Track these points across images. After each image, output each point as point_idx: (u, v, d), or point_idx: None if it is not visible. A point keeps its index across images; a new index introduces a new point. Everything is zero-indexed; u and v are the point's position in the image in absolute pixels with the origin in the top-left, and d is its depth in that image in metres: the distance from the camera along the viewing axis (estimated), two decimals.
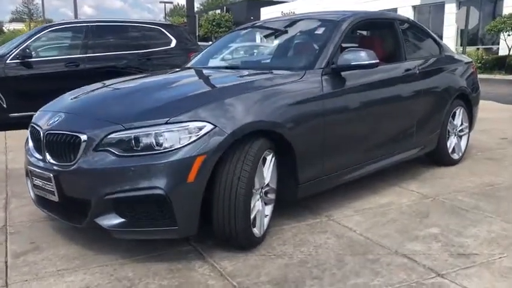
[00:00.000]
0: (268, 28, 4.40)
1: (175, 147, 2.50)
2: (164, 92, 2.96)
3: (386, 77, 3.84)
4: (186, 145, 2.51)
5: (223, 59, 4.19)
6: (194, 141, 2.53)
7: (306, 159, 3.10)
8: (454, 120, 4.81)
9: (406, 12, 28.37)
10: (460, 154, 4.94)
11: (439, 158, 4.76)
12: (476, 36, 24.98)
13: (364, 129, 3.62)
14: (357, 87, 3.52)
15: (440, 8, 26.92)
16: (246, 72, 3.52)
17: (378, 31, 4.77)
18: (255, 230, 2.83)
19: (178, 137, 2.52)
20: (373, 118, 3.69)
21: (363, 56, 3.34)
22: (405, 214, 3.46)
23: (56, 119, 2.85)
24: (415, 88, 4.15)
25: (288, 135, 2.94)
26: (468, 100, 4.96)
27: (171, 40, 8.68)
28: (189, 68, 4.10)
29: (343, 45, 3.73)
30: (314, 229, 3.19)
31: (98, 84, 3.60)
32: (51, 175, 2.69)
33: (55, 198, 2.74)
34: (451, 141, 4.81)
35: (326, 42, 3.55)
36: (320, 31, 3.75)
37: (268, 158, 2.92)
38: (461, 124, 4.95)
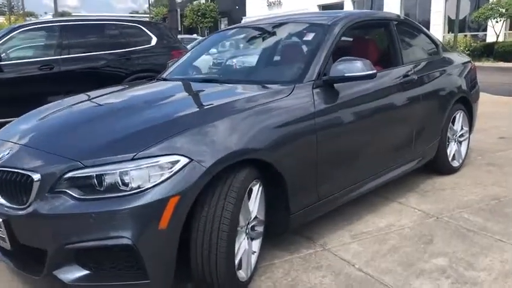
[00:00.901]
0: (251, 33, 4.00)
1: (144, 187, 2.13)
2: (132, 117, 2.56)
3: (383, 85, 3.49)
4: (156, 184, 2.14)
5: (202, 69, 3.78)
6: (166, 179, 2.15)
7: (297, 185, 2.75)
8: (454, 125, 4.48)
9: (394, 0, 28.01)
10: (460, 161, 4.62)
11: (439, 166, 4.43)
12: (463, 23, 24.72)
13: (360, 145, 3.27)
14: (352, 99, 3.16)
15: None
16: (227, 87, 3.14)
17: (372, 33, 4.41)
18: (241, 273, 2.47)
19: (148, 175, 2.14)
20: (370, 132, 3.34)
21: (359, 67, 2.98)
22: (407, 239, 3.13)
23: (6, 152, 2.45)
24: (414, 95, 3.80)
25: (277, 162, 2.58)
26: (468, 103, 4.63)
27: (152, 38, 8.25)
28: (164, 79, 3.70)
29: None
30: (308, 263, 2.84)
31: (64, 102, 3.20)
32: (1, 219, 2.30)
33: (7, 245, 2.35)
34: (451, 148, 4.49)
35: (316, 50, 3.17)
36: (309, 37, 3.37)
37: (255, 188, 2.57)
38: (462, 129, 4.63)
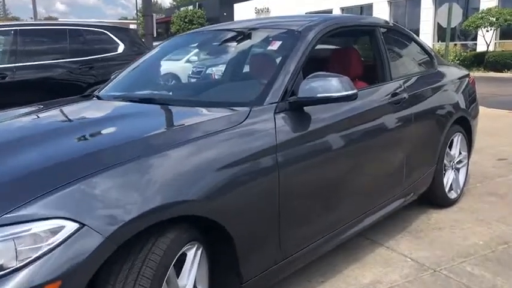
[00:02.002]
0: (207, 40, 3.30)
1: (8, 268, 1.42)
2: (13, 157, 1.83)
3: (367, 107, 2.82)
4: (27, 264, 1.44)
5: (144, 84, 3.07)
6: (43, 255, 1.45)
7: (252, 245, 2.06)
8: (451, 150, 3.82)
9: (382, 7, 27.59)
10: (459, 191, 3.96)
11: (434, 199, 3.77)
12: (453, 32, 24.31)
13: (338, 184, 2.59)
14: (327, 126, 2.49)
15: (417, 2, 26.16)
16: (160, 112, 2.44)
17: (355, 41, 3.75)
18: None
19: (14, 250, 1.44)
20: (351, 166, 2.66)
21: (335, 86, 2.31)
22: None
23: None
24: (404, 117, 3.13)
25: (222, 217, 1.89)
26: (467, 123, 3.98)
27: (119, 45, 7.54)
28: (93, 97, 2.97)
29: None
30: None
31: None
32: None
33: None
34: (448, 177, 3.83)
35: (282, 63, 2.50)
36: (275, 46, 2.69)
37: (190, 254, 1.88)
38: (460, 154, 3.97)
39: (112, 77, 3.38)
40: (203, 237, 1.93)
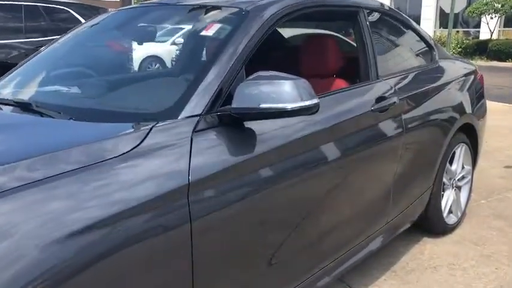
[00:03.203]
0: (132, 22, 2.48)
1: None
2: None
3: (340, 118, 2.06)
4: None
5: (34, 82, 2.28)
6: None
7: None
8: (452, 165, 3.08)
9: None
10: (459, 214, 3.23)
11: (429, 225, 3.04)
12: (456, 18, 23.44)
13: (289, 231, 1.84)
14: (279, 149, 1.73)
15: None
16: (23, 128, 1.65)
17: (329, 28, 2.96)
18: None
19: None
20: (310, 205, 1.93)
21: (288, 93, 1.56)
22: None
23: None
24: (393, 129, 2.39)
25: None
26: (473, 131, 3.23)
27: None
28: None
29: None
30: None
31: None
32: None
33: None
34: (447, 199, 3.10)
35: (214, 56, 1.73)
36: (210, 31, 1.92)
37: None
38: (462, 169, 3.23)
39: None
40: None
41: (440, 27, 23.99)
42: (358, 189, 2.22)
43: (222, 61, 1.71)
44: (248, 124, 1.66)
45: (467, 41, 21.22)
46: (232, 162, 1.56)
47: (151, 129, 1.45)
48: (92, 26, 2.42)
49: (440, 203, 2.99)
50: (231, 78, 1.69)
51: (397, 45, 2.96)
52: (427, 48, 3.10)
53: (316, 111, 1.63)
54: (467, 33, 23.19)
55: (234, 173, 1.56)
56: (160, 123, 1.49)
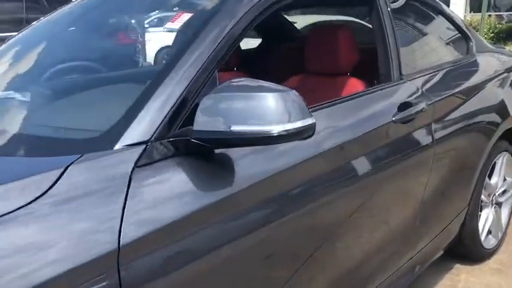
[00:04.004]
0: (89, 13, 2.01)
1: None
2: None
3: (348, 136, 1.59)
4: None
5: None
6: None
7: None
8: (491, 179, 2.57)
9: None
10: (500, 235, 2.72)
11: (463, 251, 2.55)
12: (488, 1, 22.38)
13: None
14: (268, 183, 1.29)
15: None
16: None
17: (342, 15, 2.46)
18: None
19: None
20: (319, 246, 1.47)
21: (271, 109, 1.12)
22: None
23: None
24: (421, 142, 1.91)
25: None
26: None
27: None
28: None
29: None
30: None
31: None
32: None
33: None
34: (486, 219, 2.60)
35: (174, 59, 1.27)
36: (176, 22, 1.46)
37: None
38: (504, 181, 2.71)
39: None
40: None
41: (471, 12, 22.92)
42: (378, 218, 1.76)
43: (185, 63, 1.25)
44: (221, 151, 1.22)
45: (500, 26, 20.16)
46: (193, 210, 1.11)
47: (67, 167, 1.01)
48: (54, 18, 1.99)
49: (477, 225, 2.49)
50: (197, 86, 1.24)
51: (425, 36, 2.45)
52: (462, 39, 2.58)
53: (312, 135, 1.17)
54: (499, 17, 22.07)
55: (194, 227, 1.11)
56: (84, 157, 1.05)
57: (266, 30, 3.16)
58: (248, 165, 1.27)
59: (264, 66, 2.90)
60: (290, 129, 1.12)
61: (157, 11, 2.08)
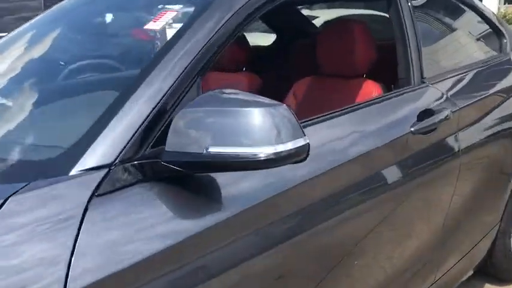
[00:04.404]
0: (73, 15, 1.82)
1: None
2: None
3: (364, 147, 1.38)
4: None
5: None
6: None
7: None
8: None
9: None
10: None
11: (494, 270, 2.31)
12: None
13: None
14: (258, 210, 1.10)
15: None
16: None
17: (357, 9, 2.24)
18: None
19: None
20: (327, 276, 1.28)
21: (256, 127, 0.93)
22: None
23: None
24: (446, 153, 1.69)
25: None
26: None
27: None
28: None
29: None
30: None
31: None
32: None
33: None
34: None
35: (150, 65, 1.09)
36: (157, 25, 1.28)
37: None
38: None
39: None
40: None
41: (505, 3, 22.10)
42: (399, 237, 1.57)
43: (162, 70, 1.07)
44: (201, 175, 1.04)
45: None
46: (165, 246, 0.93)
47: (5, 200, 0.84)
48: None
49: (509, 242, 2.25)
50: (175, 97, 1.06)
51: (451, 33, 2.21)
52: (494, 35, 2.33)
53: (305, 158, 0.98)
54: None
55: (166, 267, 0.93)
56: (31, 186, 0.88)
57: (281, 27, 2.96)
58: (239, 187, 1.09)
59: (276, 66, 2.71)
60: (280, 152, 0.93)
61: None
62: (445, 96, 1.75)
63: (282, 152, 0.93)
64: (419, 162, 1.59)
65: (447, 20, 2.21)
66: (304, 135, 0.96)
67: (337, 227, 1.27)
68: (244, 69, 2.50)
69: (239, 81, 2.41)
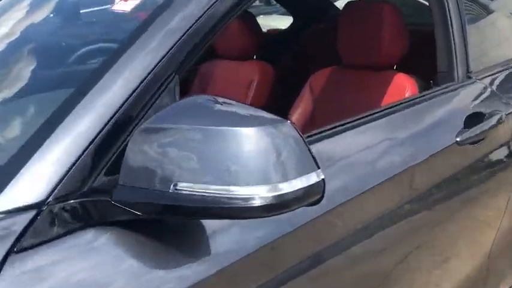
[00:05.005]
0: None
1: None
2: None
3: (398, 166, 1.08)
4: None
5: None
6: None
7: None
8: None
9: None
10: None
11: None
12: None
13: None
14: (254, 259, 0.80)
15: None
16: None
17: None
18: None
19: None
20: None
21: (249, 158, 0.63)
22: None
23: None
24: (497, 167, 1.38)
25: None
26: None
27: None
28: None
29: None
30: None
31: None
32: None
33: None
34: None
35: (107, 63, 0.79)
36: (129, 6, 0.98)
37: None
38: None
39: None
40: None
41: None
42: (434, 267, 1.27)
43: (121, 68, 0.77)
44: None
45: None
46: None
47: None
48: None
49: None
50: (139, 107, 0.76)
51: (501, 19, 1.86)
52: None
53: (320, 200, 0.67)
54: None
55: None
56: None
57: (297, 8, 2.65)
58: (228, 231, 0.79)
59: (292, 54, 2.40)
60: (284, 194, 0.63)
61: None
62: (496, 95, 1.43)
63: (286, 194, 0.63)
64: (466, 179, 1.28)
65: (496, 2, 1.87)
66: (318, 168, 0.65)
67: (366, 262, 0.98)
68: (255, 57, 2.18)
69: (248, 71, 2.11)
